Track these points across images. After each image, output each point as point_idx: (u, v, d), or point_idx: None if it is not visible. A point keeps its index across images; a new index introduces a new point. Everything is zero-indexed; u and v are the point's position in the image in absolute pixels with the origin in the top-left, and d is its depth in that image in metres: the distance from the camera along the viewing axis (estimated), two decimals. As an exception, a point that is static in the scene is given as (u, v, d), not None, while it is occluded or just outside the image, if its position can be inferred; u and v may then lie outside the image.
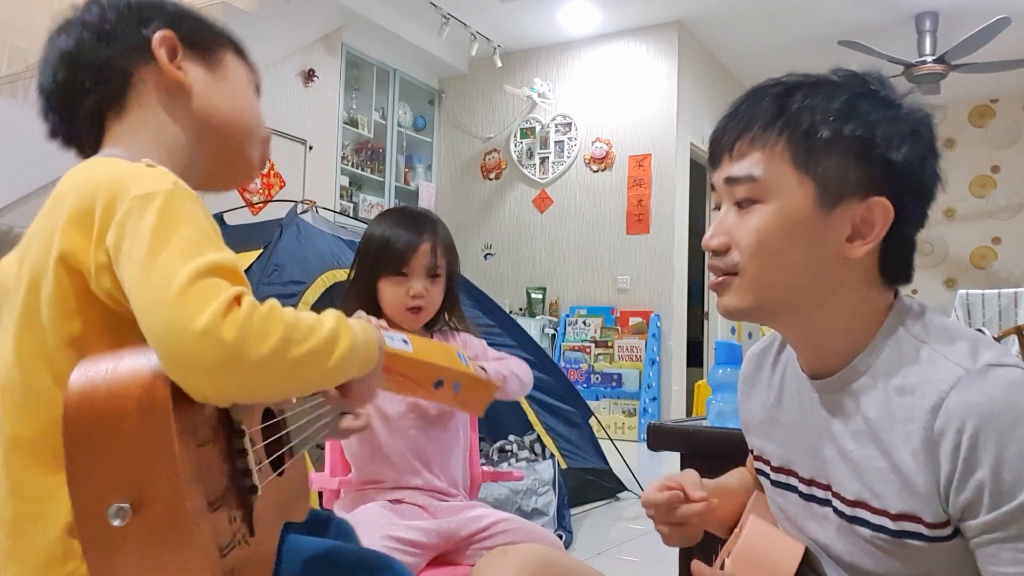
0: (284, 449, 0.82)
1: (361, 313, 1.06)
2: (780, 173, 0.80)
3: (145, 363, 0.63)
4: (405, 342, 0.99)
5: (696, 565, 0.86)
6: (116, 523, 0.59)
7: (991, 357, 0.74)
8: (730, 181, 0.83)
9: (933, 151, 0.82)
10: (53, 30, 0.85)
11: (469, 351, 1.57)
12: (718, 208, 0.87)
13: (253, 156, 0.91)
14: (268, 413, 0.82)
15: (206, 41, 0.89)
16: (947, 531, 0.75)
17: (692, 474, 0.96)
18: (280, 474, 0.82)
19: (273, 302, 0.67)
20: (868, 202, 0.79)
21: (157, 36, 0.83)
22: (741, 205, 0.82)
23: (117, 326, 0.69)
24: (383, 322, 1.26)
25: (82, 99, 0.82)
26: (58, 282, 0.69)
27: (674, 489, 0.94)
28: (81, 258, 0.69)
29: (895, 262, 0.82)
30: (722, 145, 0.85)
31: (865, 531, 0.80)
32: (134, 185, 0.69)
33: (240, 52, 0.93)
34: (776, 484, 0.94)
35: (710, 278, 0.87)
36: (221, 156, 0.89)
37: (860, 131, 0.78)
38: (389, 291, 1.50)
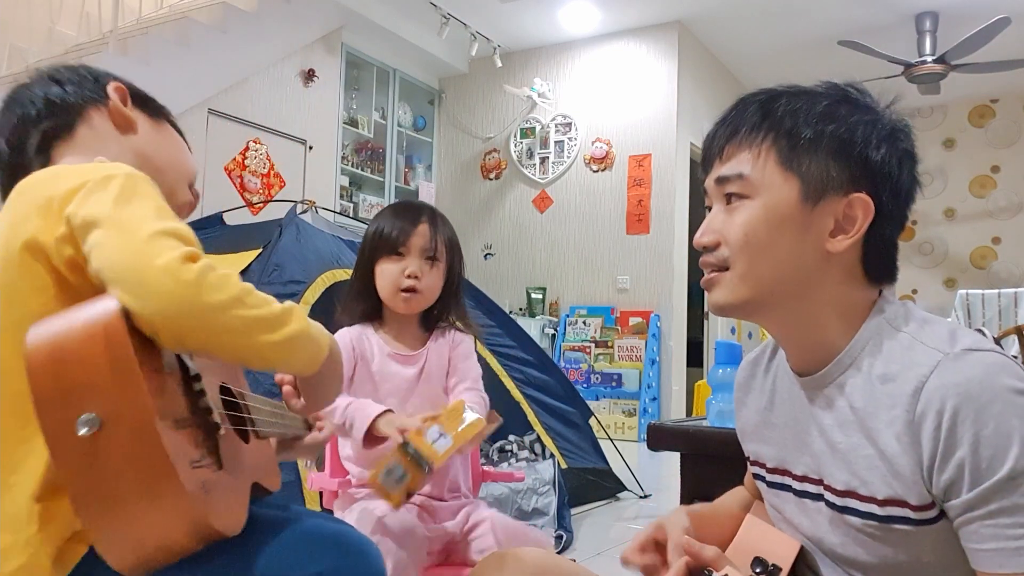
0: (248, 426, 0.89)
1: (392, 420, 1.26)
2: (766, 171, 0.85)
3: (100, 304, 0.68)
4: (443, 435, 1.24)
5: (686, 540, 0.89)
6: (83, 432, 0.63)
7: (969, 342, 0.77)
8: (720, 181, 0.88)
9: (910, 155, 0.86)
10: (13, 90, 0.97)
11: (459, 351, 1.57)
12: (709, 209, 0.91)
13: (180, 199, 1.01)
14: (226, 391, 0.87)
15: (151, 105, 1.02)
16: (933, 513, 0.77)
17: (678, 524, 0.94)
18: (245, 440, 0.87)
19: (229, 270, 0.73)
20: (849, 198, 0.83)
21: (112, 84, 0.97)
22: (730, 202, 0.87)
23: (77, 301, 0.71)
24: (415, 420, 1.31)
25: (33, 128, 0.92)
26: (23, 266, 0.75)
27: (660, 545, 0.94)
28: (42, 238, 0.75)
29: (877, 260, 0.86)
30: (712, 150, 0.90)
31: (855, 520, 0.82)
32: (94, 173, 0.77)
33: (176, 127, 1.06)
34: (772, 485, 0.96)
35: (702, 275, 0.90)
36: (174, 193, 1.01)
37: (841, 131, 0.83)
38: (385, 271, 1.49)
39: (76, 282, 0.75)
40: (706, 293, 0.90)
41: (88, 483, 0.65)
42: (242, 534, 0.78)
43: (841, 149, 0.83)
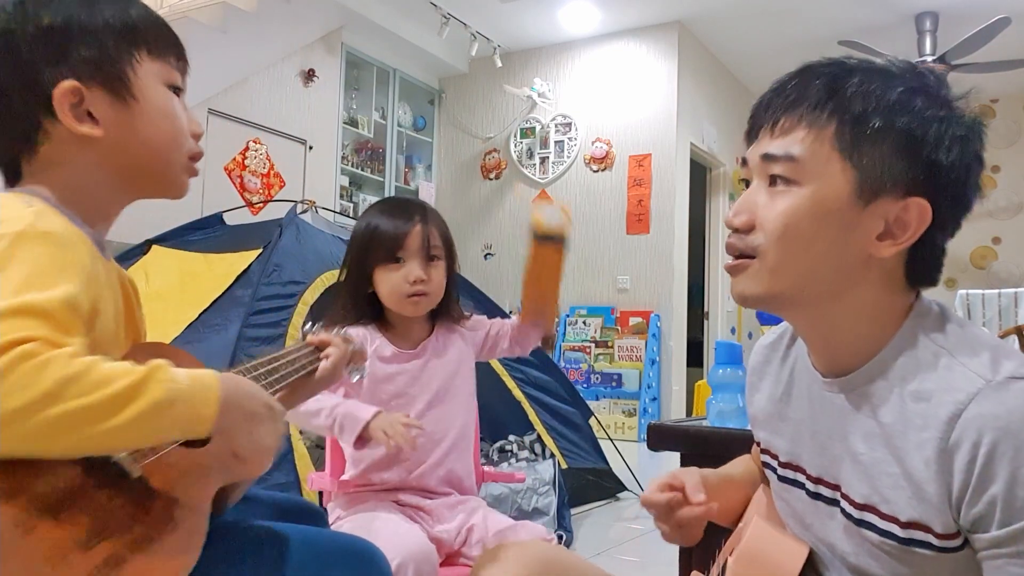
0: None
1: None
2: (822, 156, 0.77)
3: None
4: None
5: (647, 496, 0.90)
6: None
7: (1013, 368, 0.72)
8: (767, 158, 0.80)
9: (979, 160, 0.79)
10: None
11: (480, 333, 1.61)
12: (746, 184, 0.83)
13: (177, 178, 0.88)
14: None
15: (112, 70, 0.81)
16: (956, 542, 0.74)
17: (694, 473, 0.95)
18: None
19: (64, 352, 0.63)
20: (907, 201, 0.76)
21: (58, 92, 0.78)
22: (774, 184, 0.79)
23: None
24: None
25: None
26: None
27: (676, 489, 0.94)
28: None
29: (922, 267, 0.80)
30: (764, 119, 0.81)
31: (873, 535, 0.79)
32: None
33: (155, 49, 0.85)
34: (783, 480, 0.93)
35: (727, 259, 0.83)
36: (144, 186, 0.88)
37: (913, 126, 0.75)
38: (386, 280, 1.45)
39: None
40: (730, 279, 0.83)
41: None
42: (253, 546, 0.78)
43: (909, 146, 0.75)
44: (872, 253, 0.77)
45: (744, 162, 0.85)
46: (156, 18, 0.86)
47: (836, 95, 0.77)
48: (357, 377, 1.30)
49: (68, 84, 0.78)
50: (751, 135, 0.84)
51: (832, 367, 0.84)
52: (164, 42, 0.86)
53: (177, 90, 0.87)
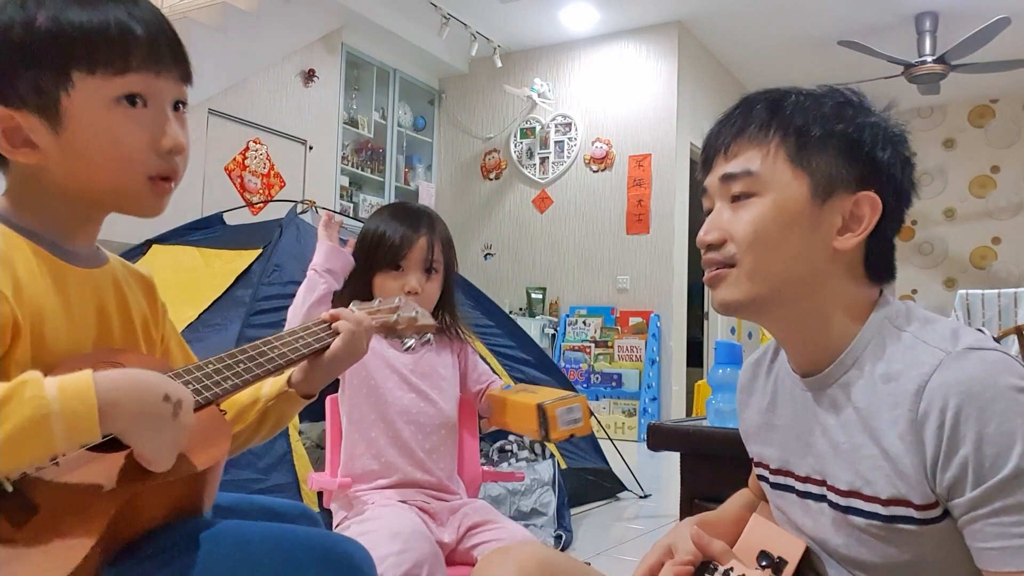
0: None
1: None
2: (776, 168, 0.85)
3: None
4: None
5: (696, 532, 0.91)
6: None
7: (971, 341, 0.78)
8: (726, 178, 0.87)
9: (909, 161, 0.88)
10: None
11: (470, 362, 1.60)
12: (709, 211, 0.90)
13: (138, 198, 0.81)
14: None
15: (43, 98, 0.74)
16: (936, 512, 0.77)
17: (686, 548, 0.94)
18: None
19: None
20: (857, 196, 0.84)
21: None
22: (736, 200, 0.87)
23: None
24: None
25: None
26: None
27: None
28: None
29: (878, 259, 0.87)
30: (716, 147, 0.90)
31: (859, 520, 0.82)
32: None
33: (98, 62, 0.75)
34: (776, 486, 0.96)
35: (705, 274, 0.90)
36: (107, 205, 0.83)
37: (850, 130, 0.84)
38: (385, 286, 1.49)
39: None
40: (710, 291, 0.90)
41: None
42: (214, 542, 0.73)
43: (851, 148, 0.84)
44: (836, 247, 0.84)
45: (704, 191, 0.92)
46: (113, 23, 0.76)
47: (777, 114, 0.86)
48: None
49: (2, 112, 0.74)
50: (706, 165, 0.92)
51: (809, 367, 0.89)
52: (117, 55, 0.76)
53: (135, 99, 0.78)
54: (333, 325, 1.02)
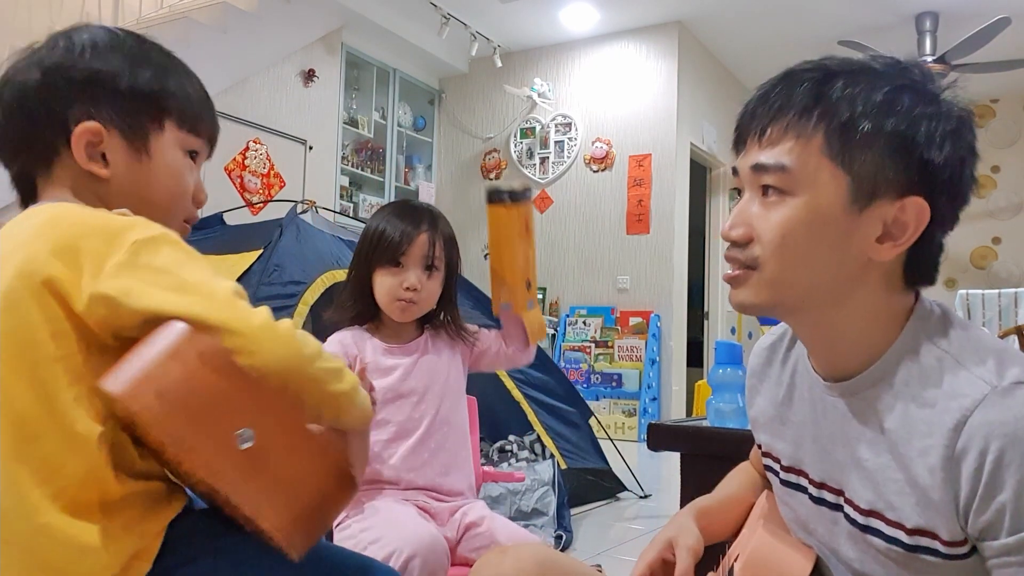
0: None
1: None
2: (813, 165, 0.75)
3: (176, 337, 0.73)
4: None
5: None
6: (246, 446, 0.73)
7: (1018, 374, 0.71)
8: (758, 169, 0.78)
9: (972, 151, 0.77)
10: (13, 63, 0.87)
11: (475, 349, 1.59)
12: (739, 193, 0.82)
13: (175, 224, 0.93)
14: None
15: (134, 124, 0.87)
16: (964, 549, 0.73)
17: (687, 545, 0.93)
18: None
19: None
20: (903, 202, 0.75)
21: (78, 131, 0.84)
22: (766, 194, 0.78)
23: (104, 350, 0.75)
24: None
25: (16, 156, 0.87)
26: (41, 305, 0.73)
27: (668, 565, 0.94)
28: (67, 287, 0.74)
29: (921, 265, 0.79)
30: (751, 129, 0.80)
31: (879, 541, 0.78)
32: (131, 232, 0.76)
33: (183, 122, 0.91)
34: (786, 484, 0.92)
35: (727, 269, 0.82)
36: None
37: (902, 127, 0.74)
38: (384, 282, 1.48)
39: (102, 336, 0.75)
40: (729, 288, 0.83)
41: (253, 480, 0.73)
42: (268, 567, 0.79)
43: (901, 148, 0.74)
44: (872, 257, 0.76)
45: (735, 171, 0.84)
46: (194, 95, 0.93)
47: (821, 101, 0.75)
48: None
49: (90, 125, 0.84)
50: (738, 144, 0.82)
51: (834, 371, 0.82)
52: (195, 119, 0.92)
53: (195, 155, 0.94)
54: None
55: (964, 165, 0.76)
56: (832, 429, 0.83)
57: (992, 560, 0.71)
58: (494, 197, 1.34)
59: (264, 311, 0.76)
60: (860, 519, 0.79)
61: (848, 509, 0.81)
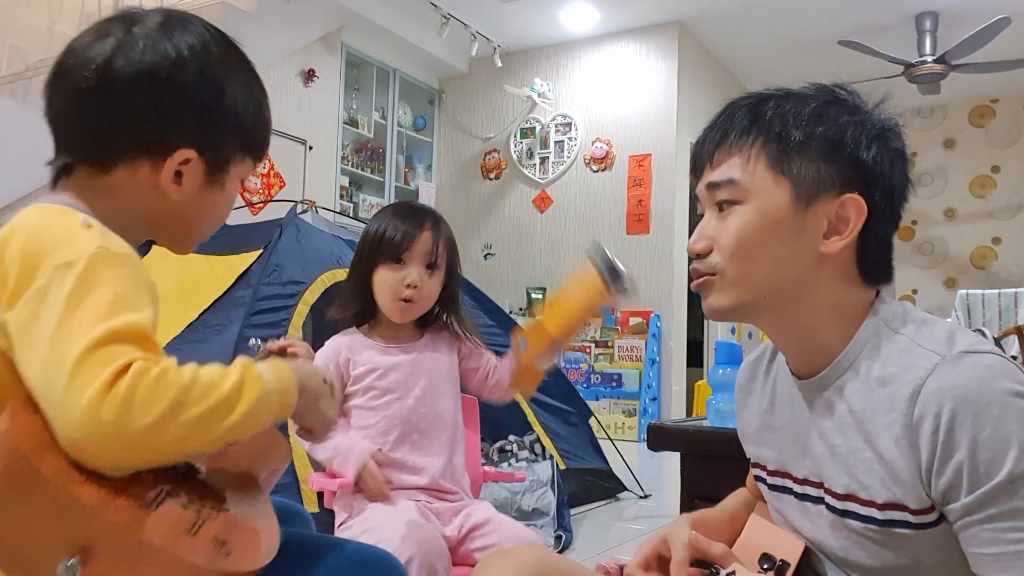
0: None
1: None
2: (757, 175, 0.85)
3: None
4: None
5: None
6: None
7: (966, 344, 0.77)
8: (711, 187, 0.88)
9: (901, 155, 0.86)
10: (94, 30, 0.81)
11: (471, 361, 1.59)
12: (702, 216, 0.91)
13: (192, 245, 0.94)
14: None
15: (223, 157, 0.86)
16: (932, 517, 0.77)
17: (681, 538, 0.93)
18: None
19: (169, 364, 0.67)
20: (842, 199, 0.83)
21: (178, 155, 0.81)
22: (722, 208, 0.87)
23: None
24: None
25: (65, 149, 0.81)
26: None
27: (655, 571, 0.95)
28: None
29: (872, 260, 0.86)
30: (703, 155, 0.91)
31: (855, 523, 0.82)
32: (59, 252, 0.69)
33: (254, 155, 0.91)
34: (773, 488, 0.96)
35: (693, 281, 0.91)
36: (163, 238, 0.91)
37: (831, 132, 0.83)
38: (384, 280, 1.49)
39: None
40: (701, 298, 0.90)
41: None
42: (286, 561, 0.79)
43: (831, 150, 0.83)
44: (823, 251, 0.83)
45: (696, 198, 0.93)
46: (269, 126, 0.92)
47: (758, 120, 0.86)
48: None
49: (188, 153, 0.82)
50: (695, 171, 0.92)
51: (806, 368, 0.89)
52: (262, 151, 0.92)
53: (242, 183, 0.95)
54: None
55: (894, 165, 0.85)
56: (808, 424, 0.88)
57: (957, 523, 0.75)
58: (599, 264, 1.27)
59: (103, 381, 0.63)
60: (838, 505, 0.84)
61: (828, 498, 0.86)
